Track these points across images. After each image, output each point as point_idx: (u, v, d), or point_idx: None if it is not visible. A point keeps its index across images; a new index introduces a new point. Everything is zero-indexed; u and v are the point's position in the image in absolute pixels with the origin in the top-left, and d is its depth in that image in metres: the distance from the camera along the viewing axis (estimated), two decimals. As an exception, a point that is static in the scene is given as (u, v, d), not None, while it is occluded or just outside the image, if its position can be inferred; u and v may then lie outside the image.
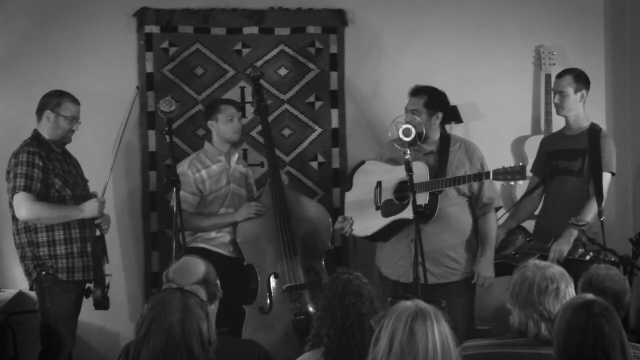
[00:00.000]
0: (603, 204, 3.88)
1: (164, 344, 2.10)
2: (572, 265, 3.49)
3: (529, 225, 4.17)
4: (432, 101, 3.91)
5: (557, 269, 2.58)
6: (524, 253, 3.84)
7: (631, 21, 4.72)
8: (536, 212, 4.22)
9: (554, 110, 4.61)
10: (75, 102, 3.89)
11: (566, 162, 4.01)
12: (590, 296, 2.22)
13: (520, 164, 3.62)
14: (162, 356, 2.10)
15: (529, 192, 4.18)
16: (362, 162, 4.15)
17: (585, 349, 2.09)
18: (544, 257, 3.69)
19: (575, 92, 4.00)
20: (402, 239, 3.88)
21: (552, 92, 4.11)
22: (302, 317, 3.90)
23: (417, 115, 3.85)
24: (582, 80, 4.03)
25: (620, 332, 2.13)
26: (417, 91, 3.95)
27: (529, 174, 4.12)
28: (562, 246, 3.74)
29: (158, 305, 2.16)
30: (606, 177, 3.94)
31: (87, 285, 3.86)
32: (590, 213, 3.85)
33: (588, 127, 4.03)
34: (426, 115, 3.89)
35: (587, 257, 3.61)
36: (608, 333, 2.10)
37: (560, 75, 4.08)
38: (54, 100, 3.84)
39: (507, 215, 4.18)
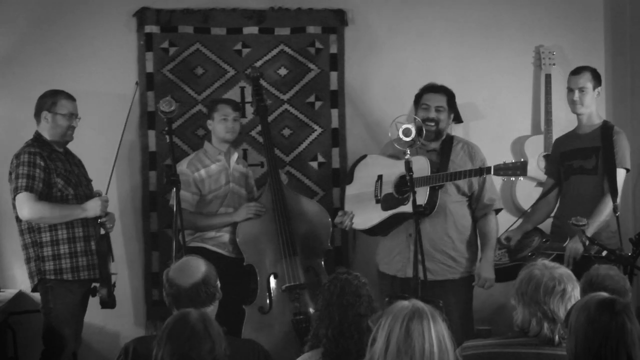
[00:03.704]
0: (618, 200, 3.87)
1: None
2: (589, 263, 3.46)
3: (545, 226, 4.15)
4: (451, 100, 3.97)
5: (565, 270, 2.57)
6: (540, 254, 3.81)
7: (631, 21, 4.71)
8: (552, 214, 4.18)
9: (554, 110, 4.61)
10: (70, 98, 3.88)
11: (580, 160, 3.99)
12: (607, 294, 2.20)
13: (522, 159, 3.62)
14: None
15: (544, 194, 4.15)
16: (364, 156, 4.15)
17: (608, 346, 2.07)
18: (561, 257, 3.69)
19: (594, 88, 3.99)
20: (401, 233, 3.88)
21: (569, 89, 4.02)
22: (301, 317, 3.90)
23: (441, 111, 3.90)
24: (597, 77, 4.02)
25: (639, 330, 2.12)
26: (438, 88, 3.99)
27: (529, 173, 4.10)
28: (578, 244, 3.72)
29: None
30: (620, 173, 3.92)
31: (93, 284, 3.85)
32: (606, 210, 3.84)
33: (600, 124, 4.02)
34: (447, 114, 3.94)
35: (603, 254, 3.58)
36: (630, 331, 2.08)
37: (577, 72, 4.01)
38: (49, 100, 3.84)
39: (519, 221, 4.14)
